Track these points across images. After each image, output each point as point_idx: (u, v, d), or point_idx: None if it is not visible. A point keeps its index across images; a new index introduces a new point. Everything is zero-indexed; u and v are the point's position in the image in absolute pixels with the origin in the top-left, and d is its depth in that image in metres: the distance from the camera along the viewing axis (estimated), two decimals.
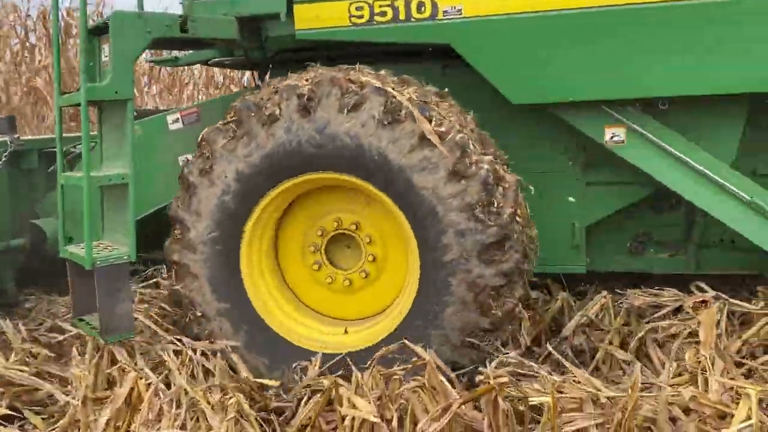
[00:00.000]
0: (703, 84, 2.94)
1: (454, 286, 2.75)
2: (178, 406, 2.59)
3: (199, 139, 3.01)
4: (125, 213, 2.96)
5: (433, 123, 2.72)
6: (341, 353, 2.94)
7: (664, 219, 3.60)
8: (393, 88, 2.80)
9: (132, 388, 2.63)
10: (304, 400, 2.70)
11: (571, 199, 3.46)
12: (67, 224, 3.14)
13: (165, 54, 5.79)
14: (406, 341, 2.74)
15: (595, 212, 3.51)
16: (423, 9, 3.06)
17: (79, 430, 2.61)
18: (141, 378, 2.67)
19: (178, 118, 3.79)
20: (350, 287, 3.17)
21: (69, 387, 2.91)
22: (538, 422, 2.39)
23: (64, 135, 3.18)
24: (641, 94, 3.00)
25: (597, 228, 3.60)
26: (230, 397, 2.60)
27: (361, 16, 3.13)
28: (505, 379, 2.37)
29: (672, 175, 3.14)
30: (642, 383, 2.55)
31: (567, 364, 2.81)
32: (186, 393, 2.62)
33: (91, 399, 2.67)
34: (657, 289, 3.34)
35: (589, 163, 3.44)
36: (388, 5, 3.09)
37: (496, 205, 2.73)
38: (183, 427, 2.54)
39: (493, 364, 2.67)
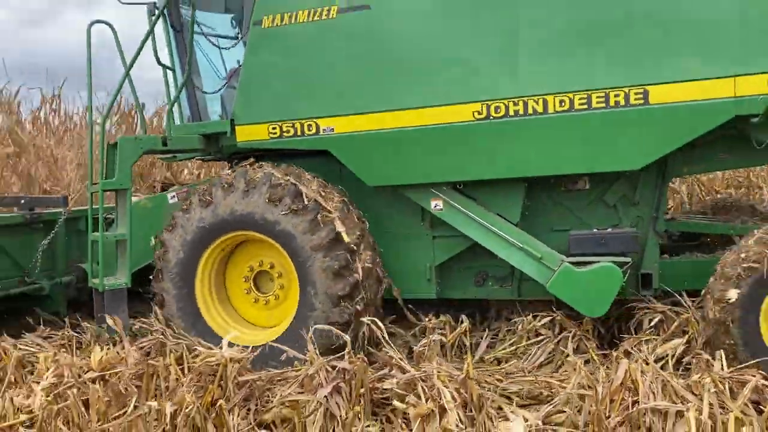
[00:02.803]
0: (482, 172, 4.58)
1: (317, 299, 4.43)
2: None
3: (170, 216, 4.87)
4: (126, 257, 4.82)
5: (302, 194, 4.49)
6: (257, 344, 4.63)
7: (496, 260, 5.15)
8: (277, 175, 4.59)
9: (626, 371, 3.41)
10: None
11: None
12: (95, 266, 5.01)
13: None
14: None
15: (441, 256, 5.10)
16: (311, 128, 4.85)
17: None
18: (635, 362, 3.52)
19: (174, 195, 5.69)
20: (268, 305, 4.90)
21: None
22: None
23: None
24: (443, 179, 4.67)
25: (449, 267, 5.20)
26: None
27: (276, 133, 4.94)
28: None
29: (475, 232, 4.74)
30: None
31: None
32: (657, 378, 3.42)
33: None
34: None
35: (434, 222, 5.06)
36: (290, 126, 4.89)
37: (343, 243, 4.43)
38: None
39: None
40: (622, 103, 4.16)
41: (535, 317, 4.79)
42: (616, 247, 4.55)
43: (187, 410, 3.50)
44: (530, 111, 4.35)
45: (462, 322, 4.72)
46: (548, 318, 4.73)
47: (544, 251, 4.60)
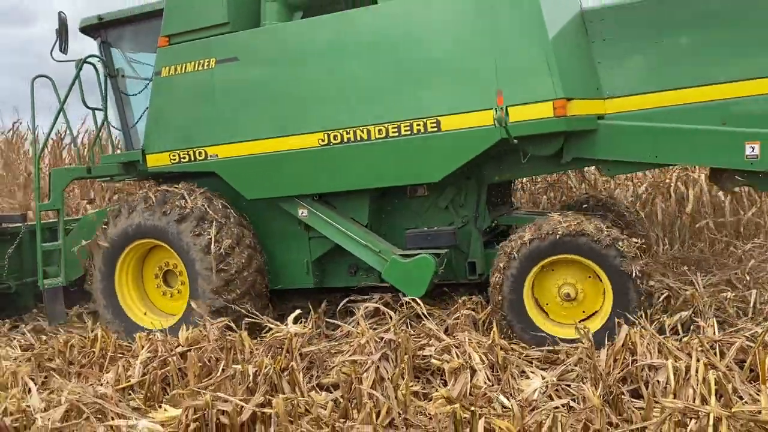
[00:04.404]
0: (330, 186, 5.78)
1: (201, 291, 5.71)
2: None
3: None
4: (62, 262, 6.17)
5: (187, 206, 5.75)
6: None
7: None
8: (171, 192, 5.86)
9: (626, 335, 3.96)
10: None
11: None
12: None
13: None
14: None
15: (316, 252, 6.31)
16: (201, 155, 6.09)
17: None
18: (636, 327, 4.11)
19: None
20: (174, 297, 6.20)
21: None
22: None
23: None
24: (302, 192, 5.88)
25: (327, 261, 6.40)
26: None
27: (175, 160, 6.20)
28: None
29: (333, 233, 5.95)
30: None
31: None
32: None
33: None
34: None
35: (308, 226, 6.27)
36: (186, 154, 6.14)
37: (221, 242, 5.69)
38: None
39: None
40: (422, 130, 5.31)
41: None
42: (439, 242, 5.73)
43: (265, 371, 3.99)
44: (358, 138, 5.53)
45: None
46: None
47: (382, 246, 5.79)
